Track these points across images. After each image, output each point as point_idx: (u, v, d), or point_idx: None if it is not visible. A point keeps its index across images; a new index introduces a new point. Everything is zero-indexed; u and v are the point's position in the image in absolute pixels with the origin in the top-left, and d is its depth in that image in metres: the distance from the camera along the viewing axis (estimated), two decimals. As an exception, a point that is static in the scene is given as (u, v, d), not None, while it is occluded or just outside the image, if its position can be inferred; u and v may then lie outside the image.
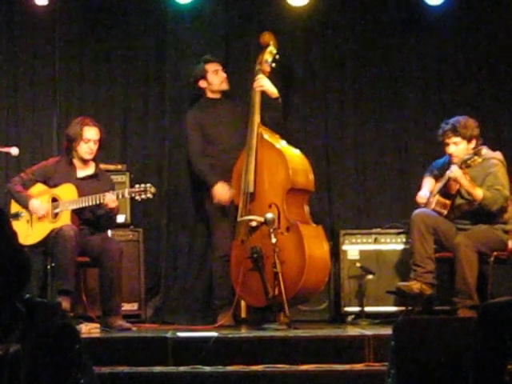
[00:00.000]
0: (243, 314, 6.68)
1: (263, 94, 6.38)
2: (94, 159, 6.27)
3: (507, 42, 7.14)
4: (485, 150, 6.04)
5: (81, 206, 6.04)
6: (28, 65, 7.17)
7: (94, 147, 6.18)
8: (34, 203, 6.11)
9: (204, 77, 6.59)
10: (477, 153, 5.97)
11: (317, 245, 6.08)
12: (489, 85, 7.21)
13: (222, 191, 6.37)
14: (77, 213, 6.09)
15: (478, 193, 5.98)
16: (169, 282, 7.05)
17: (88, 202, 6.02)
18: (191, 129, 6.55)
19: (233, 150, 6.43)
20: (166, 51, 7.22)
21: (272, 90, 6.38)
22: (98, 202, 6.01)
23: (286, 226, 6.04)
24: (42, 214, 6.09)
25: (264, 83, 6.38)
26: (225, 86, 6.62)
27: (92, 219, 6.16)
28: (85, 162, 6.24)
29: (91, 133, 6.15)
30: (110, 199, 5.99)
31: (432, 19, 7.16)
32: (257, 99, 6.37)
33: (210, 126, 6.53)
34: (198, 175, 6.55)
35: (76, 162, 6.25)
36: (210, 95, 6.64)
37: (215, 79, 6.59)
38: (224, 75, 6.61)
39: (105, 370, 4.80)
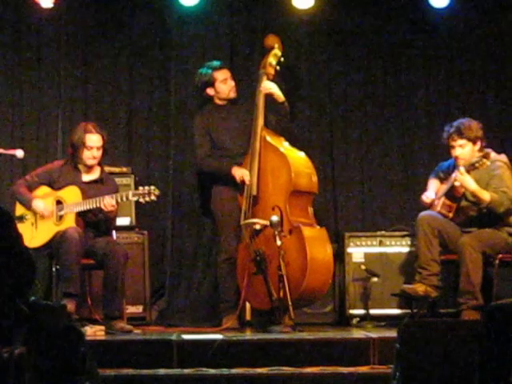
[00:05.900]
0: (248, 317, 6.66)
1: (269, 98, 6.37)
2: (99, 163, 6.26)
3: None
4: (492, 154, 6.04)
5: (84, 208, 6.04)
6: (33, 67, 7.17)
7: (97, 154, 6.16)
8: (38, 203, 6.11)
9: (212, 85, 6.51)
10: (485, 156, 5.95)
11: (319, 247, 6.08)
12: (495, 87, 7.21)
13: (240, 170, 6.29)
14: (81, 215, 6.09)
15: (486, 196, 5.97)
16: (174, 285, 7.04)
17: (88, 205, 6.01)
18: (199, 134, 6.52)
19: (239, 157, 6.41)
20: (170, 54, 7.22)
21: (278, 94, 6.37)
22: (97, 206, 5.99)
23: (289, 229, 6.04)
24: (48, 212, 6.09)
25: (271, 86, 6.36)
26: (232, 95, 6.54)
27: (95, 222, 6.15)
28: (89, 167, 6.23)
29: (94, 140, 6.13)
30: (107, 203, 5.97)
31: (437, 22, 7.16)
32: (261, 102, 6.36)
33: (216, 132, 6.49)
34: (210, 172, 6.47)
35: (81, 167, 6.24)
36: (217, 102, 6.58)
37: (224, 88, 6.50)
38: (232, 84, 6.52)
39: (110, 373, 4.82)
